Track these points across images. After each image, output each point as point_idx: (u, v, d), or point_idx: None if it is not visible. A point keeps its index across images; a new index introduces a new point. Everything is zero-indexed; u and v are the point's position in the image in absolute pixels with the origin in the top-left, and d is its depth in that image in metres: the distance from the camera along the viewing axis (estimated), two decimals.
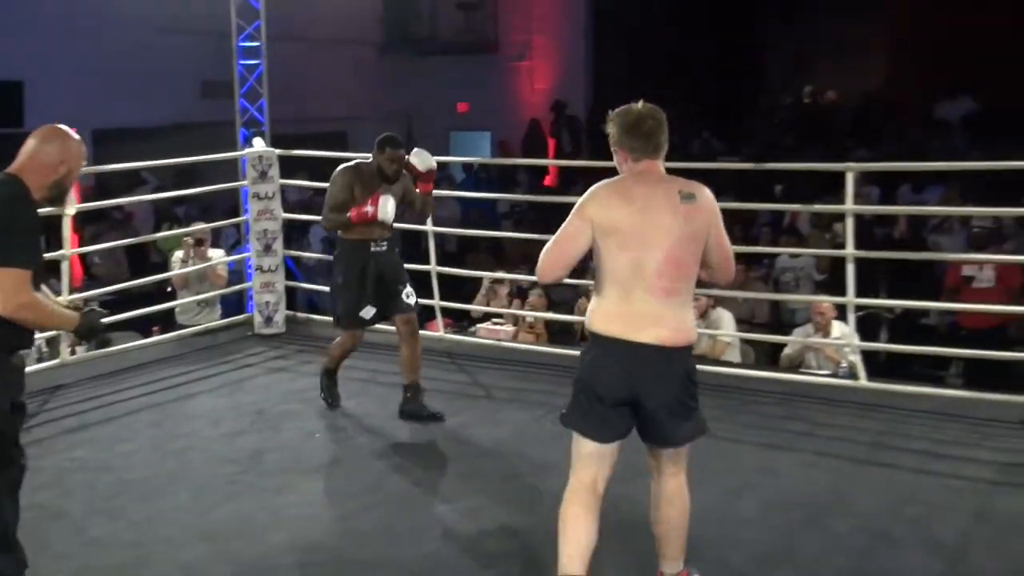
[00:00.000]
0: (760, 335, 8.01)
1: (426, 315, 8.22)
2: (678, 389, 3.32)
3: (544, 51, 17.16)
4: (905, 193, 11.61)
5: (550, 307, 8.38)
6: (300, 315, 8.04)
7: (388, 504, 4.56)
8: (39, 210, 3.30)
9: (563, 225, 3.33)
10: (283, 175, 7.68)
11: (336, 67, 15.94)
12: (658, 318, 3.25)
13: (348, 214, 5.48)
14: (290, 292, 8.04)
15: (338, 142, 15.35)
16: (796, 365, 7.13)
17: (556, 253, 3.33)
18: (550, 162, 15.15)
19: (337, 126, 15.93)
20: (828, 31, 16.27)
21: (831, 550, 4.07)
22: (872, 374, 6.16)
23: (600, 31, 16.52)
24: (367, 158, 5.66)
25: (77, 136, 3.39)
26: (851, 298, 6.11)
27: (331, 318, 5.96)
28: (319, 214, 5.76)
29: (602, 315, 3.31)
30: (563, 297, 8.86)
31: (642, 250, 3.24)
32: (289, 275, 8.15)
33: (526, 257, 10.42)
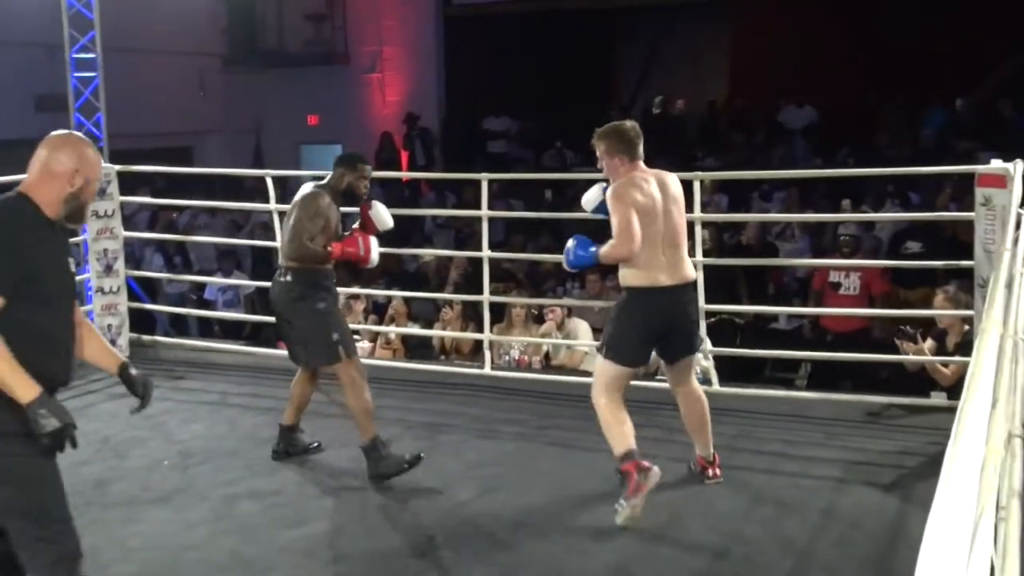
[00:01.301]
0: None
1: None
2: (694, 311, 4.85)
3: (396, 63, 17.14)
4: (755, 200, 12.05)
5: (409, 319, 8.38)
6: (146, 338, 7.83)
7: (239, 532, 4.49)
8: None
9: (619, 214, 4.46)
10: (123, 192, 7.49)
11: (178, 80, 15.60)
12: (679, 265, 4.61)
13: (327, 248, 5.02)
14: (146, 316, 7.84)
15: (182, 157, 15.06)
16: (652, 373, 7.31)
17: (632, 232, 4.45)
18: (402, 174, 15.14)
19: (181, 140, 15.58)
20: (676, 41, 16.79)
21: (687, 551, 4.19)
22: (724, 379, 6.36)
23: (452, 43, 16.61)
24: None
25: (91, 143, 3.15)
26: (701, 304, 6.29)
27: (287, 352, 5.43)
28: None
29: (644, 273, 4.55)
30: (422, 311, 8.87)
31: (658, 221, 4.54)
32: (132, 297, 7.93)
33: (384, 271, 10.38)
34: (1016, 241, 4.09)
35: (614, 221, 4.50)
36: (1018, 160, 5.33)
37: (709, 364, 6.46)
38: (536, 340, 7.49)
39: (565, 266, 4.88)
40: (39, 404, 2.84)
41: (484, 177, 6.92)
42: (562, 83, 15.56)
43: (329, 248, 5.03)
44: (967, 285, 6.03)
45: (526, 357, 7.45)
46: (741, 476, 5.02)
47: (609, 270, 9.50)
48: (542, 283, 9.51)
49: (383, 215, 5.27)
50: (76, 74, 8.51)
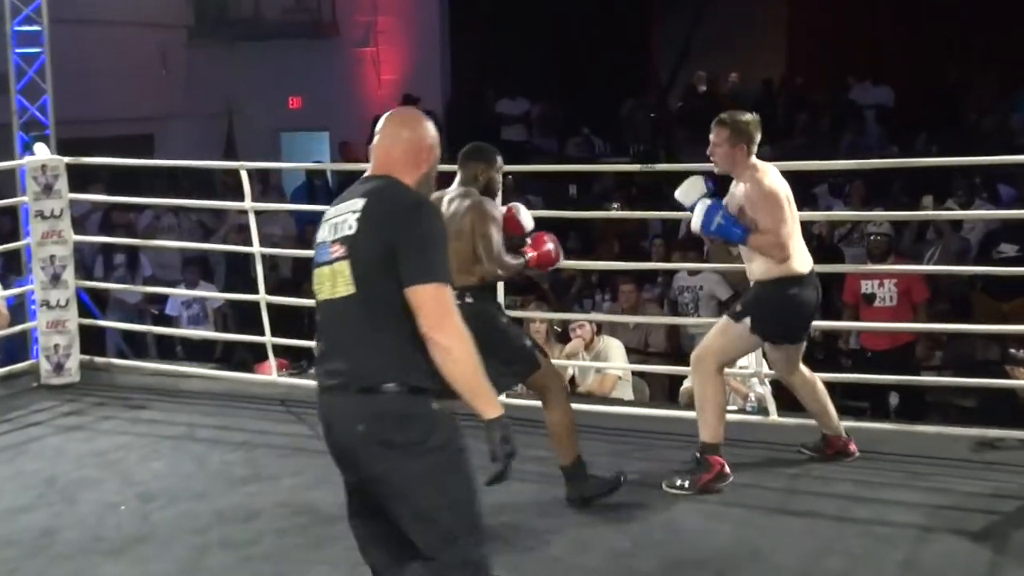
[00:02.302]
0: (656, 367, 8.16)
1: (256, 354, 8.15)
2: None
3: (392, 35, 17.20)
4: (823, 194, 12.01)
5: None
6: (99, 360, 7.85)
7: None
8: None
9: (771, 209, 5.11)
10: (73, 188, 7.51)
11: (137, 56, 15.67)
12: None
13: (523, 257, 5.20)
14: (95, 334, 7.86)
15: (142, 147, 15.12)
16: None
17: (789, 231, 5.17)
18: None
19: (141, 127, 15.65)
20: (724, 8, 16.80)
21: None
22: (784, 408, 6.34)
23: (458, 12, 16.65)
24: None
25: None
26: None
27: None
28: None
29: (800, 261, 5.26)
30: None
31: (794, 208, 5.27)
32: (85, 311, 7.95)
33: None
34: None
35: (766, 218, 5.12)
36: None
37: (765, 391, 6.44)
38: (560, 363, 7.47)
39: (695, 227, 5.31)
40: (503, 425, 3.10)
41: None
42: (589, 58, 15.58)
43: (526, 257, 5.21)
44: None
45: None
46: (804, 523, 4.99)
47: (644, 277, 9.54)
48: (566, 294, 9.49)
49: (526, 216, 5.34)
50: (18, 50, 8.55)
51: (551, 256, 5.28)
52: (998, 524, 4.94)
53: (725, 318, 5.49)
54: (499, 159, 5.29)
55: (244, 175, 7.47)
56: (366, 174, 3.34)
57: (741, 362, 7.03)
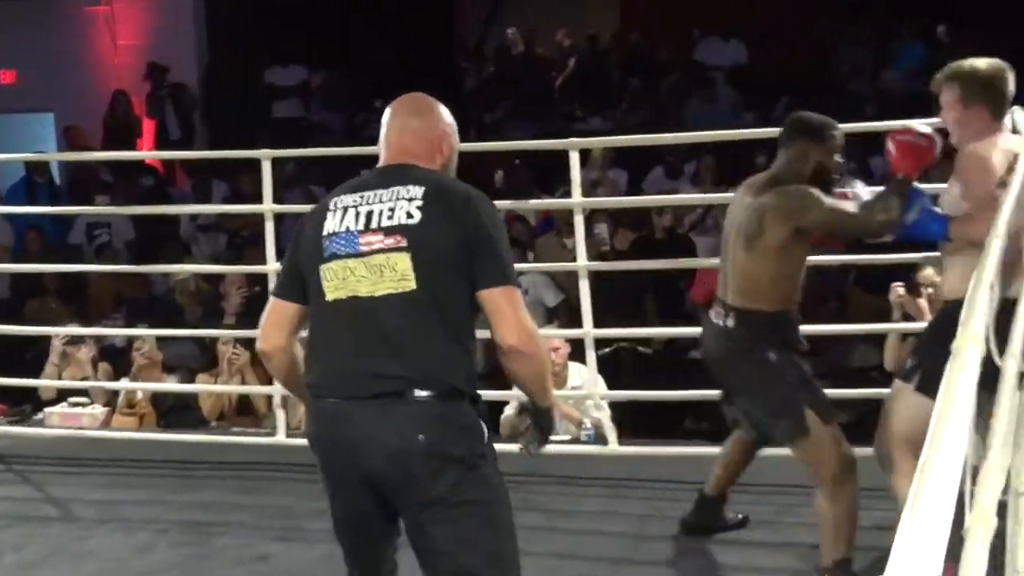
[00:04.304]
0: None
1: None
2: None
3: None
4: (658, 177, 12.24)
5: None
6: None
7: None
8: None
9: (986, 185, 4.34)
10: None
11: None
12: None
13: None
14: None
15: None
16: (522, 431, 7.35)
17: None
18: (146, 154, 14.90)
19: None
20: None
21: None
22: (627, 435, 6.45)
23: None
24: None
25: None
26: (588, 329, 6.38)
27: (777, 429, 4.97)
28: None
29: None
30: (181, 357, 8.74)
31: None
32: None
33: (119, 300, 10.21)
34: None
35: (978, 192, 4.38)
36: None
37: (603, 415, 6.53)
38: None
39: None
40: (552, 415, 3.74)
41: (267, 155, 6.95)
42: (380, 17, 15.57)
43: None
44: None
45: None
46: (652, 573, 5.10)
47: None
48: None
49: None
50: None
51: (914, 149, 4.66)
52: (878, 564, 5.10)
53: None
54: (834, 134, 4.89)
55: None
56: (383, 164, 3.55)
57: (573, 381, 7.15)
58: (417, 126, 3.55)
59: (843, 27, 14.40)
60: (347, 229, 3.38)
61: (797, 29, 14.83)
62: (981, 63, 4.56)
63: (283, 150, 7.78)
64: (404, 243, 3.31)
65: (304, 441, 6.77)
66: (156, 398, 8.04)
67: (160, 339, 8.29)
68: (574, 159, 6.45)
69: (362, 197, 3.42)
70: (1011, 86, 4.55)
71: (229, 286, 9.05)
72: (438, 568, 3.36)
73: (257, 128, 14.38)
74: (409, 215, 3.33)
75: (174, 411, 8.12)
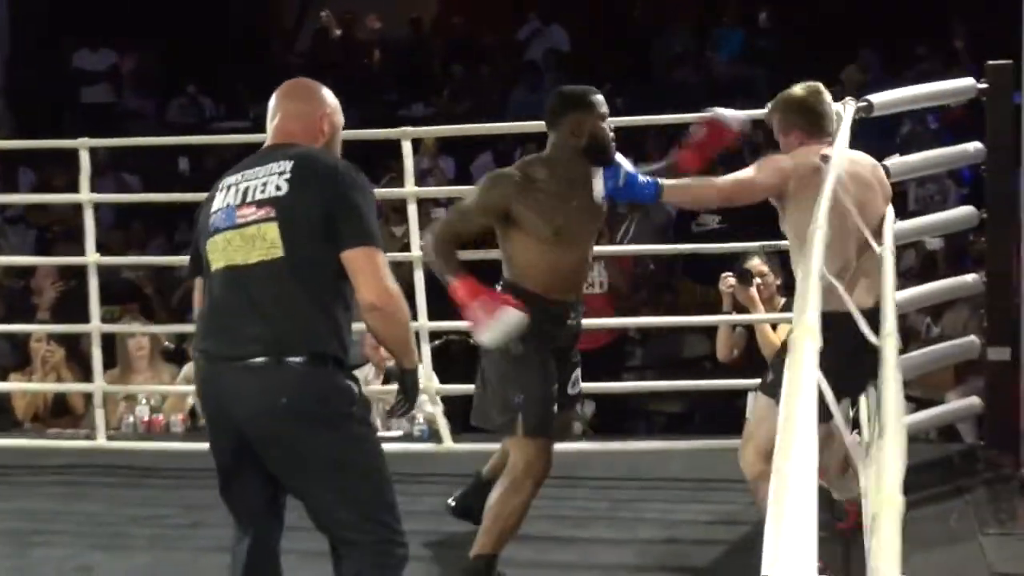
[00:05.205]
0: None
1: None
2: None
3: None
4: (486, 163, 12.24)
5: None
6: None
7: None
8: None
9: None
10: None
11: None
12: None
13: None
14: None
15: None
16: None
17: None
18: None
19: None
20: None
21: None
22: (459, 431, 6.41)
23: None
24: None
25: None
26: (424, 322, 6.33)
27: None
28: None
29: None
30: None
31: None
32: None
33: None
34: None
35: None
36: (849, 99, 5.56)
37: (436, 410, 6.47)
38: (171, 389, 7.49)
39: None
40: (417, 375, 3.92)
41: (85, 143, 6.86)
42: None
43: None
44: None
45: (161, 416, 7.39)
46: None
47: None
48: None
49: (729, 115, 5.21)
50: None
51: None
52: (720, 560, 5.14)
53: None
54: (597, 100, 4.93)
55: None
56: (267, 144, 3.82)
57: None
58: (298, 109, 3.84)
59: (664, 12, 14.55)
60: (227, 205, 3.66)
61: (617, 13, 14.94)
62: (797, 89, 4.93)
63: (94, 139, 7.57)
64: (273, 213, 3.57)
65: (124, 444, 6.78)
66: None
67: None
68: (407, 148, 6.49)
69: (243, 176, 3.69)
70: (826, 104, 4.90)
71: (43, 280, 8.84)
72: (319, 523, 3.65)
73: (65, 115, 14.10)
74: (278, 187, 3.59)
75: None
